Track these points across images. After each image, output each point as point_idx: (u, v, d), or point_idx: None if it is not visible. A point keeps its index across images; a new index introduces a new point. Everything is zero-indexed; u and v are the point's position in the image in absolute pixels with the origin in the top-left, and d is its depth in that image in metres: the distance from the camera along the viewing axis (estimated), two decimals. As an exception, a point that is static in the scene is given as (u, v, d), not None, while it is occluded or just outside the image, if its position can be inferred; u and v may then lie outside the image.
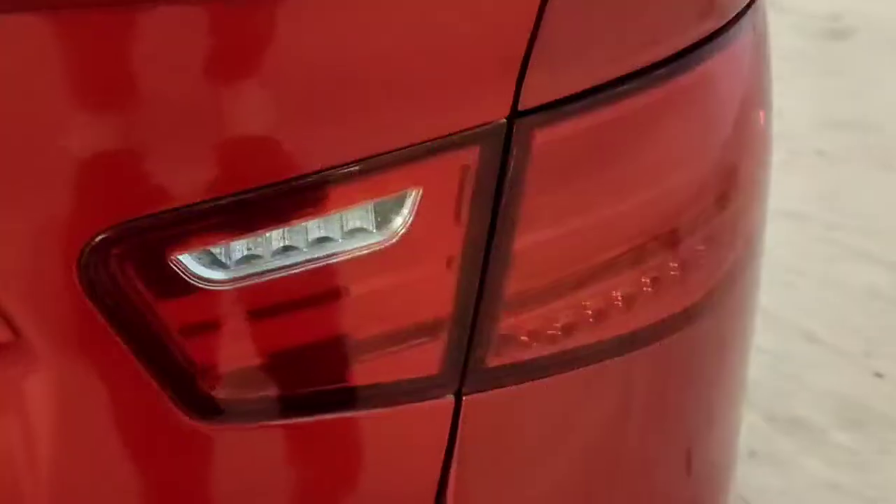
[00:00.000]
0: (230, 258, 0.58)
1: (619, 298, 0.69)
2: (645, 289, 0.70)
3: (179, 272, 0.56)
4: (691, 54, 0.65)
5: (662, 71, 0.63)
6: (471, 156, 0.59)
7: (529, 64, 0.58)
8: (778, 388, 1.89)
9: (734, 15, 0.68)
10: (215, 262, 0.58)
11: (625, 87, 0.62)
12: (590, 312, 0.68)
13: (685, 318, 0.73)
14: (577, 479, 0.73)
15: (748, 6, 0.71)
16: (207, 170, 0.56)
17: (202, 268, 0.57)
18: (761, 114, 0.77)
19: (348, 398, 0.62)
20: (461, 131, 0.58)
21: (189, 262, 0.57)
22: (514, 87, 0.58)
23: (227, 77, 0.54)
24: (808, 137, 2.72)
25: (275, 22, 0.54)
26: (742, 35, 0.70)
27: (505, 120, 0.59)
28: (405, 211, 0.59)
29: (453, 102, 0.58)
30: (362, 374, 0.61)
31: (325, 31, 0.55)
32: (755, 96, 0.73)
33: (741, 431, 1.72)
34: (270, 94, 0.55)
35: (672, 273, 0.71)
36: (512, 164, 0.60)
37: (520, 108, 0.59)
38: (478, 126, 0.59)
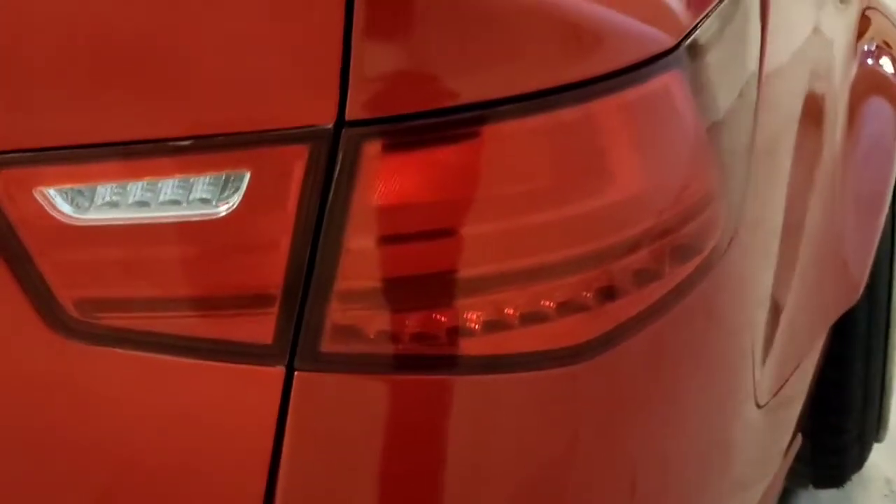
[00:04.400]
0: (93, 201, 0.69)
1: (476, 321, 0.73)
2: (511, 319, 0.73)
3: (42, 203, 0.68)
4: (558, 95, 0.68)
5: (513, 107, 0.67)
6: (300, 152, 0.67)
7: (350, 79, 0.65)
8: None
9: (634, 62, 0.70)
10: (81, 201, 0.69)
11: (466, 115, 0.67)
12: (443, 328, 0.73)
13: (570, 354, 0.74)
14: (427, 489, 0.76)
15: (667, 52, 0.72)
16: (75, 120, 0.67)
17: (64, 203, 0.69)
18: (694, 176, 0.77)
19: (182, 345, 0.70)
20: (290, 128, 0.66)
21: (54, 195, 0.68)
22: (337, 98, 0.65)
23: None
24: None
25: None
26: (649, 84, 0.72)
27: (332, 126, 0.66)
28: (239, 191, 0.68)
29: (283, 101, 0.66)
30: (195, 326, 0.70)
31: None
32: (668, 152, 0.74)
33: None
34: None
35: (547, 309, 0.74)
36: (338, 168, 0.67)
37: (347, 118, 0.66)
38: (306, 126, 0.66)
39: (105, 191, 0.69)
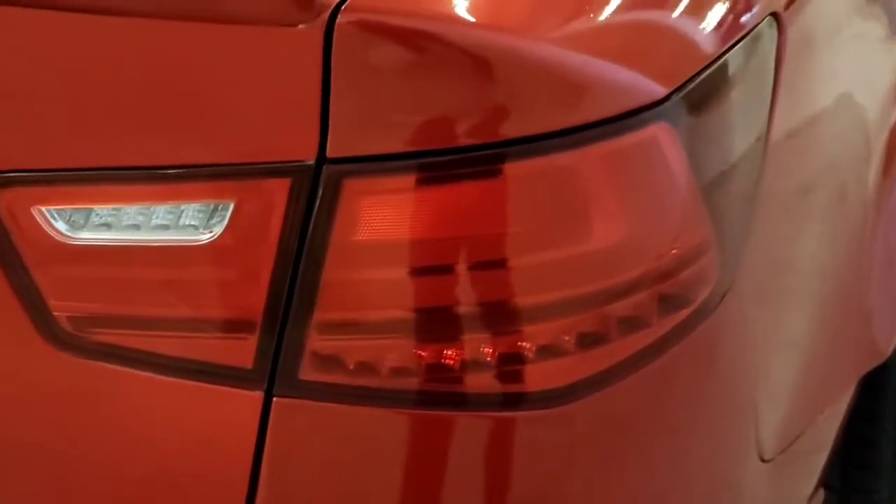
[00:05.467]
0: (88, 220, 0.72)
1: (454, 358, 0.74)
2: (489, 359, 0.74)
3: (39, 220, 0.72)
4: (539, 142, 0.69)
5: (492, 153, 0.69)
6: (282, 186, 0.69)
7: (331, 118, 0.67)
8: None
9: (619, 112, 0.71)
10: (76, 219, 0.72)
11: (444, 158, 0.68)
12: (422, 363, 0.74)
13: (548, 397, 0.75)
14: None
15: (657, 104, 0.72)
16: (79, 145, 0.71)
17: (60, 221, 0.72)
18: (683, 227, 0.77)
19: (168, 364, 0.73)
20: (273, 162, 0.69)
21: (50, 214, 0.72)
22: (318, 136, 0.68)
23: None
24: None
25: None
26: (635, 135, 0.72)
27: (313, 162, 0.69)
28: (224, 220, 0.70)
29: (268, 136, 0.69)
30: (180, 347, 0.73)
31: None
32: (654, 203, 0.75)
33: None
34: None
35: (525, 352, 0.75)
36: (318, 202, 0.69)
37: (328, 154, 0.68)
38: (288, 161, 0.69)
39: (101, 212, 0.72)
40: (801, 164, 0.98)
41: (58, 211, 0.72)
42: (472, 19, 0.68)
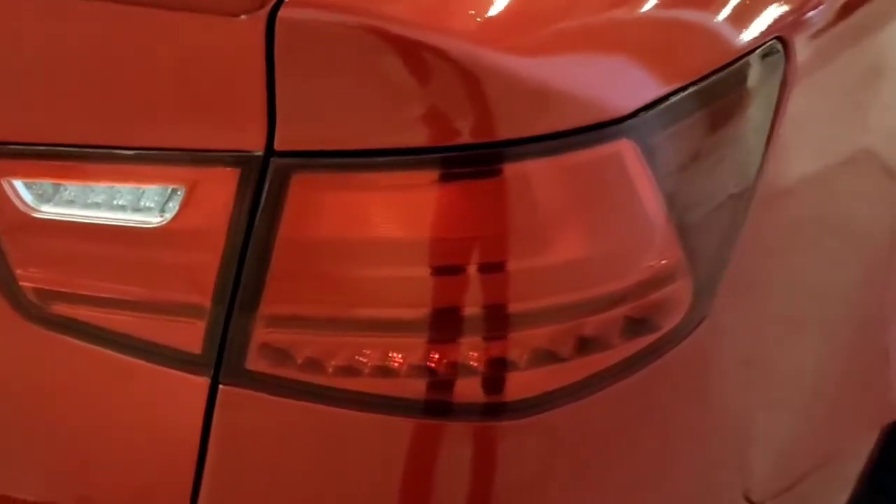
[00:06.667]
0: (56, 195, 0.74)
1: (401, 362, 0.73)
2: (436, 367, 0.73)
3: (7, 191, 0.74)
4: (491, 150, 0.68)
5: (440, 156, 0.68)
6: (231, 175, 0.70)
7: (277, 110, 0.67)
8: None
9: (578, 126, 0.69)
10: (44, 193, 0.74)
11: (393, 159, 0.68)
12: (367, 365, 0.73)
13: (499, 410, 0.74)
14: None
15: (621, 120, 0.70)
16: (39, 121, 0.74)
17: (28, 194, 0.74)
18: (646, 249, 0.75)
19: (123, 342, 0.75)
20: (223, 150, 0.70)
21: (20, 186, 0.74)
22: (265, 128, 0.68)
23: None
24: None
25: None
26: (595, 150, 0.70)
27: (262, 154, 0.69)
28: (175, 204, 0.71)
29: (217, 124, 0.70)
30: (133, 326, 0.74)
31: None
32: (614, 222, 0.73)
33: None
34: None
35: (471, 363, 0.73)
36: (264, 195, 0.69)
37: (276, 147, 0.69)
38: (238, 151, 0.69)
39: (70, 188, 0.74)
40: (810, 199, 0.94)
41: (27, 183, 0.74)
42: (414, 16, 0.67)
